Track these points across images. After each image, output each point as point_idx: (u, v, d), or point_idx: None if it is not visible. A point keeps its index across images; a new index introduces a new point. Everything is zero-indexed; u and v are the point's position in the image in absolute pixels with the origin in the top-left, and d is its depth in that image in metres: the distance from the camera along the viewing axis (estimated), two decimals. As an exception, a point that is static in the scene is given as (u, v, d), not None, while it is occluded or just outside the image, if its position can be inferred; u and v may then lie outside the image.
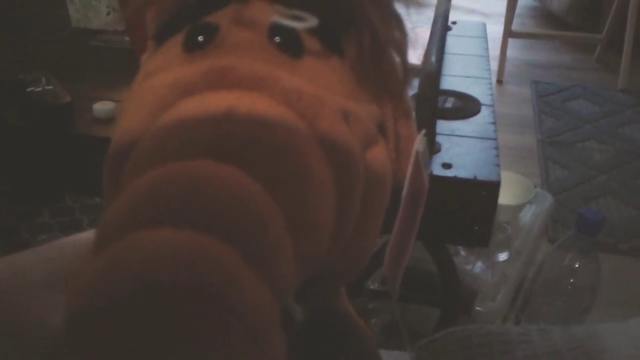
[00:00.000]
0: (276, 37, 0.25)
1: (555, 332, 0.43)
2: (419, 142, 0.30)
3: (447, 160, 0.77)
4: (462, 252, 1.05)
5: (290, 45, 0.25)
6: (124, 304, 0.17)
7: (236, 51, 0.25)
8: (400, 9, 0.29)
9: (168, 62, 0.25)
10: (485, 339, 0.43)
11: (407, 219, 0.30)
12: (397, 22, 0.29)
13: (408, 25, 0.29)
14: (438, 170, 0.76)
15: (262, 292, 0.19)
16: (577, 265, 0.95)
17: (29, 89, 0.85)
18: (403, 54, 0.29)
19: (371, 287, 1.02)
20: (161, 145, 0.22)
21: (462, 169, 0.76)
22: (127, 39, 1.09)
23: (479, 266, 1.04)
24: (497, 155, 0.80)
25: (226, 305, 0.17)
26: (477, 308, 0.98)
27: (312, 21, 0.26)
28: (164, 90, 0.24)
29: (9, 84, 0.89)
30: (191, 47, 0.25)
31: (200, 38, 0.25)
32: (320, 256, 0.23)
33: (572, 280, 0.95)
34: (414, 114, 0.30)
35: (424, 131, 0.31)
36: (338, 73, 0.26)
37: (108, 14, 1.17)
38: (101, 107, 0.84)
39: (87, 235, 0.29)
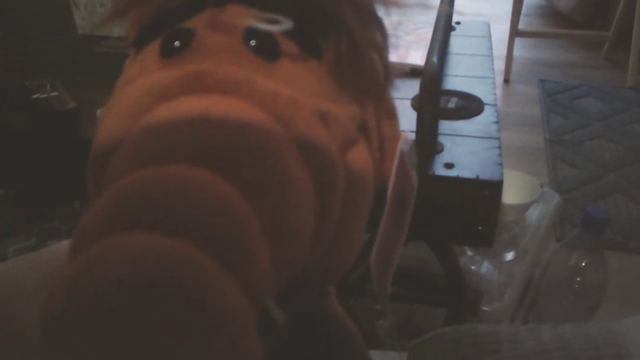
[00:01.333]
0: (251, 41, 0.25)
1: (544, 330, 0.43)
2: (403, 142, 0.30)
3: (449, 160, 0.77)
4: (469, 252, 1.05)
5: (265, 48, 0.25)
6: (94, 308, 0.17)
7: (212, 55, 0.25)
8: (380, 10, 0.29)
9: (146, 68, 0.26)
10: (475, 340, 0.43)
11: (395, 219, 0.30)
12: (377, 24, 0.29)
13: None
14: (440, 171, 0.76)
15: (237, 296, 0.19)
16: (583, 264, 0.94)
17: (35, 96, 0.86)
18: (383, 55, 0.29)
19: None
20: (137, 150, 0.22)
21: (465, 169, 0.76)
22: (129, 45, 1.10)
23: (485, 266, 1.03)
24: (500, 155, 0.80)
25: (200, 308, 0.17)
26: (484, 308, 0.98)
27: (286, 24, 0.26)
28: (140, 95, 0.24)
29: (15, 91, 0.90)
30: (168, 53, 0.25)
31: (177, 43, 0.25)
32: (300, 259, 0.23)
33: (579, 279, 0.95)
34: (398, 114, 0.30)
35: (412, 131, 0.31)
36: (316, 75, 0.26)
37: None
38: (106, 112, 0.85)
39: None
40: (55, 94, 0.87)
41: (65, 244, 0.30)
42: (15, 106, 0.89)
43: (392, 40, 0.29)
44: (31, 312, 0.26)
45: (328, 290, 0.31)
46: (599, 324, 0.45)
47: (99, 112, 0.85)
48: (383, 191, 0.28)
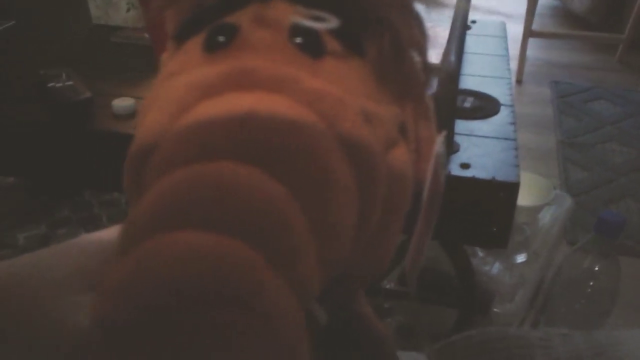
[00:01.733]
0: (297, 38, 0.25)
1: (577, 337, 0.42)
2: (439, 144, 0.29)
3: (465, 161, 0.77)
4: (480, 253, 1.05)
5: (311, 46, 0.25)
6: (152, 311, 0.17)
7: (257, 52, 0.24)
8: (420, 8, 0.28)
9: (188, 63, 0.25)
10: (504, 344, 0.42)
11: (428, 220, 0.29)
12: (418, 22, 0.28)
13: (427, 24, 0.29)
14: (456, 171, 0.75)
15: (289, 298, 0.18)
16: (596, 268, 0.94)
17: (50, 85, 0.86)
18: (424, 54, 0.28)
19: (387, 286, 1.02)
20: (182, 147, 0.22)
21: (481, 170, 0.75)
22: (146, 35, 1.10)
23: (497, 267, 1.03)
24: (517, 156, 0.79)
25: (257, 313, 0.17)
26: (495, 309, 0.98)
27: (333, 22, 0.25)
28: (183, 91, 0.24)
29: (31, 79, 0.90)
30: (211, 48, 0.25)
31: (221, 38, 0.25)
32: (342, 259, 0.23)
33: (591, 283, 0.94)
34: (434, 115, 0.30)
35: (444, 133, 0.30)
36: (359, 74, 0.26)
37: (128, 10, 1.18)
38: (120, 103, 0.85)
39: (109, 233, 0.29)
40: (70, 83, 0.87)
41: (92, 237, 0.30)
42: (30, 95, 0.89)
43: (430, 39, 0.28)
44: (57, 305, 0.25)
45: (360, 291, 0.31)
46: (631, 331, 0.44)
47: (114, 102, 0.85)
48: (418, 193, 0.28)
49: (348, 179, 0.23)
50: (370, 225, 0.24)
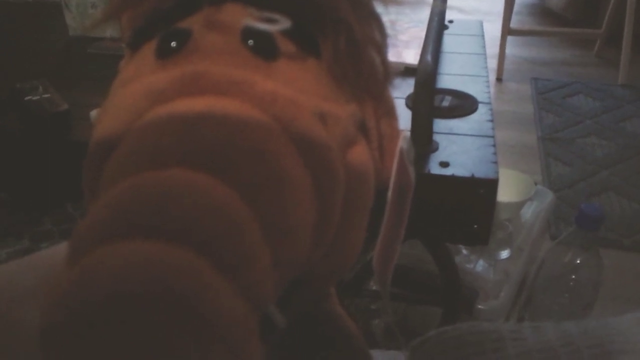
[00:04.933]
0: (249, 41, 0.25)
1: (548, 328, 0.43)
2: (402, 140, 0.29)
3: (444, 159, 0.77)
4: (464, 251, 1.05)
5: (264, 48, 0.25)
6: (94, 317, 0.17)
7: (209, 56, 0.24)
8: (379, 8, 0.28)
9: (142, 70, 0.25)
10: (478, 337, 0.43)
11: (395, 217, 0.29)
12: (376, 22, 0.28)
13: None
14: (435, 169, 0.76)
15: (236, 303, 0.18)
16: (578, 261, 0.94)
17: (26, 98, 0.85)
18: (383, 53, 0.28)
19: (373, 287, 1.02)
20: (133, 154, 0.22)
21: (460, 167, 0.76)
22: (124, 46, 1.09)
23: (480, 265, 1.03)
24: (495, 153, 0.79)
25: (199, 316, 0.17)
26: (480, 307, 0.98)
27: (284, 23, 0.25)
28: (137, 98, 0.23)
29: (7, 93, 0.89)
30: (164, 54, 0.25)
31: (173, 44, 0.25)
32: (301, 261, 0.23)
33: (573, 276, 0.95)
34: (397, 112, 0.30)
35: (407, 129, 0.31)
36: (314, 74, 0.26)
37: (104, 21, 1.18)
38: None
39: None
40: (47, 95, 0.86)
41: (62, 247, 0.29)
42: (6, 108, 0.88)
43: (390, 39, 0.28)
44: (27, 316, 0.25)
45: (328, 290, 0.31)
46: (601, 321, 0.45)
47: (92, 113, 0.84)
48: (383, 190, 0.28)
49: (303, 180, 0.22)
50: (331, 224, 0.24)
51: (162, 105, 0.23)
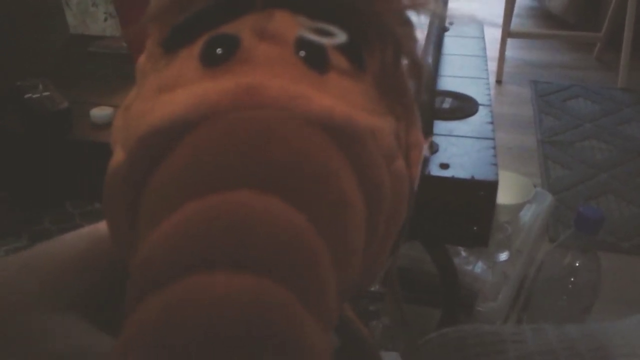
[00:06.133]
0: (301, 52, 0.23)
1: (549, 331, 0.43)
2: (425, 150, 0.29)
3: (444, 161, 0.77)
4: (463, 253, 1.05)
5: (317, 60, 0.23)
6: (186, 357, 0.16)
7: (262, 67, 0.22)
8: (412, 17, 0.27)
9: (185, 77, 0.23)
10: (479, 339, 0.43)
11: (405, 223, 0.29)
12: (410, 29, 0.27)
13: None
14: (436, 171, 0.76)
15: (321, 335, 0.18)
16: (577, 264, 0.94)
17: (27, 96, 0.85)
18: (418, 63, 0.27)
19: (372, 289, 1.02)
20: (193, 173, 0.20)
21: (460, 169, 0.76)
22: (124, 44, 1.09)
23: (479, 266, 1.03)
24: (495, 155, 0.80)
25: (300, 356, 0.16)
26: (478, 308, 0.98)
27: (341, 37, 0.23)
28: (185, 107, 0.21)
29: (7, 91, 0.89)
30: (211, 61, 0.23)
31: (219, 50, 0.23)
32: (356, 282, 0.22)
33: (572, 279, 0.95)
34: (419, 121, 0.29)
35: (431, 138, 0.30)
36: (361, 88, 0.24)
37: (105, 19, 1.18)
38: (99, 112, 0.85)
39: (72, 238, 0.28)
40: (47, 94, 0.86)
41: (56, 246, 0.28)
42: (6, 106, 0.88)
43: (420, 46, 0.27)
44: (32, 326, 0.24)
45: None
46: (602, 324, 0.45)
47: (92, 112, 0.84)
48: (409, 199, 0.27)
49: (357, 199, 0.22)
50: (376, 242, 0.24)
51: (215, 119, 0.21)
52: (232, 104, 0.21)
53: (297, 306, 0.17)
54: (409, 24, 0.27)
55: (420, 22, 0.28)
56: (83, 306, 0.26)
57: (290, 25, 0.24)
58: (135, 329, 0.17)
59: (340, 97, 0.23)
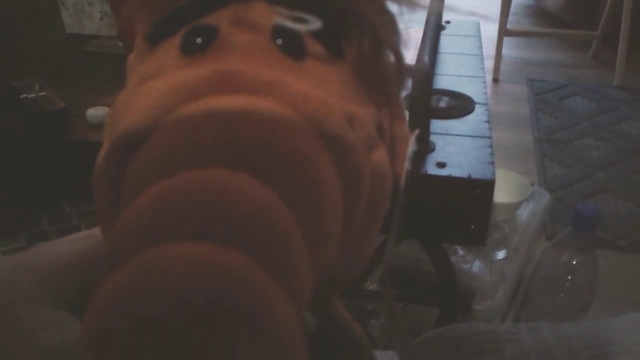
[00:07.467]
0: (278, 40, 0.24)
1: (545, 329, 0.43)
2: (412, 143, 0.29)
3: (441, 160, 0.77)
4: (460, 252, 1.05)
5: (293, 48, 0.24)
6: (153, 324, 0.16)
7: (239, 54, 0.24)
8: (392, 7, 0.28)
9: (165, 66, 0.24)
10: (475, 339, 0.43)
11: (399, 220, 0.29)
12: (392, 22, 0.28)
13: (400, 25, 0.28)
14: (432, 170, 0.76)
15: (289, 307, 0.18)
16: (574, 262, 0.95)
17: (23, 96, 0.85)
18: (398, 54, 0.28)
19: (370, 287, 1.02)
20: (169, 151, 0.21)
21: (457, 168, 0.76)
22: (120, 44, 1.09)
23: (477, 265, 1.03)
24: (492, 154, 0.80)
25: (262, 325, 0.17)
26: (476, 307, 0.98)
27: (315, 24, 0.24)
28: (164, 94, 0.22)
29: (3, 91, 0.89)
30: (190, 50, 0.24)
31: (199, 40, 0.24)
32: (331, 264, 0.23)
33: (570, 277, 0.95)
34: (407, 114, 0.30)
35: (417, 132, 0.30)
36: (339, 76, 0.25)
37: (101, 19, 1.17)
38: (95, 112, 0.85)
39: (71, 240, 0.28)
40: (43, 93, 0.86)
41: (55, 247, 0.29)
42: (3, 107, 0.88)
43: (403, 39, 0.28)
44: (26, 321, 0.25)
45: (335, 292, 0.30)
46: (598, 322, 0.45)
47: (88, 112, 0.84)
48: (394, 192, 0.28)
49: (335, 183, 0.22)
50: (355, 227, 0.24)
51: (193, 102, 0.22)
52: (210, 87, 0.22)
53: (262, 275, 0.18)
54: (388, 14, 0.28)
55: (400, 13, 0.28)
56: (76, 305, 0.27)
57: (268, 15, 0.25)
58: (100, 298, 0.17)
59: (316, 84, 0.24)
